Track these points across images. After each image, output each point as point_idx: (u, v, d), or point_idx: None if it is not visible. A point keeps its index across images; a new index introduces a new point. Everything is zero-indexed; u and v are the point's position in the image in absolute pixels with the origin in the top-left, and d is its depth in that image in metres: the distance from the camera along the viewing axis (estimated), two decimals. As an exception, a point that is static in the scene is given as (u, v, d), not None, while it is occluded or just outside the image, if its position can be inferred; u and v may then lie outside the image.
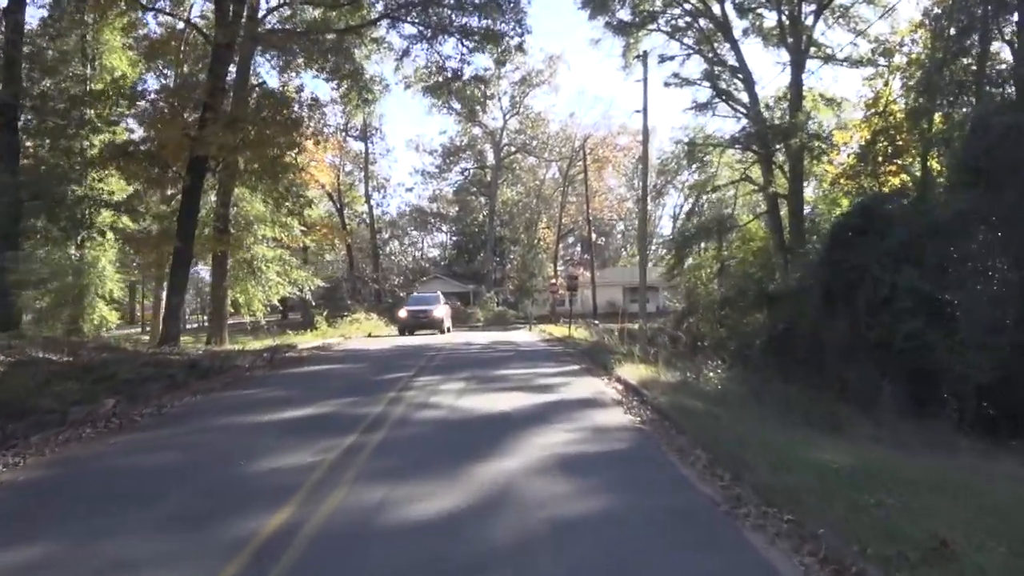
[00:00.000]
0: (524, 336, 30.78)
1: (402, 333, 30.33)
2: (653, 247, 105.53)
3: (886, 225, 18.46)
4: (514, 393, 11.60)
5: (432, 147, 69.46)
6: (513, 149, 66.38)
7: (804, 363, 20.74)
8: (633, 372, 13.96)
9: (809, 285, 21.53)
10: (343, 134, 59.34)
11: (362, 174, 61.62)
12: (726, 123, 36.15)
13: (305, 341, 24.07)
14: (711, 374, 15.54)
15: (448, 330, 32.69)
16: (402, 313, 31.99)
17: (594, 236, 71.87)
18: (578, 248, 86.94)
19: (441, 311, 32.41)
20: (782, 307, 24.98)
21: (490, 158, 67.80)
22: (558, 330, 33.39)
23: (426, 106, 72.67)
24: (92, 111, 21.06)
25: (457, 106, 64.64)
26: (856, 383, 18.03)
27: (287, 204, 21.54)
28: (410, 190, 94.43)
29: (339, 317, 38.14)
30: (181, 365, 14.03)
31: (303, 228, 26.38)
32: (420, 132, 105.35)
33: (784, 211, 35.20)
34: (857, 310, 18.28)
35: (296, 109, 21.63)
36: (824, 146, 33.34)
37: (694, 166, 36.29)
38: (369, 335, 31.40)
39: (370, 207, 61.12)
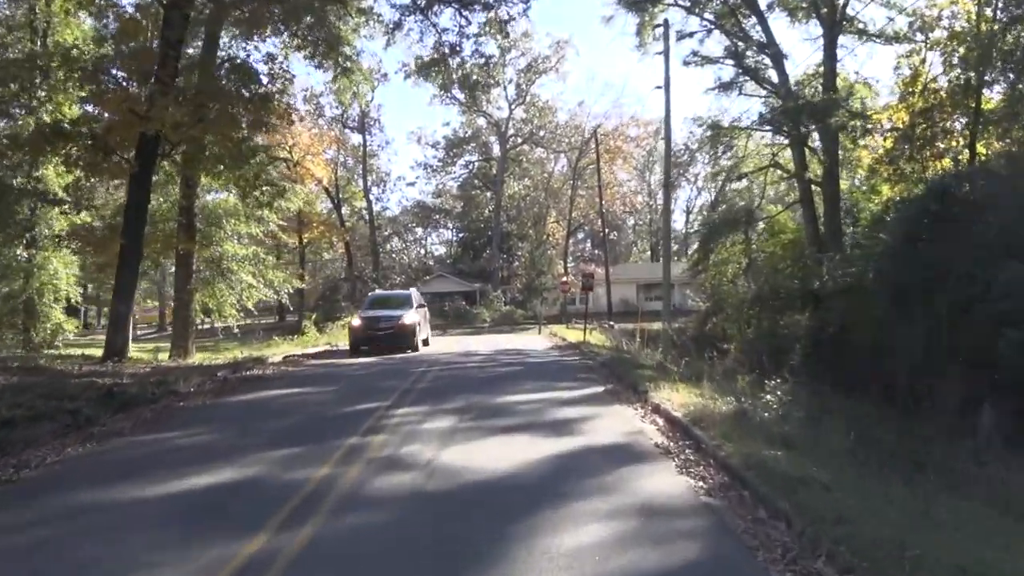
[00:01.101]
0: (533, 341, 27.66)
1: (355, 351, 20.39)
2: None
3: (974, 211, 15.29)
4: (521, 436, 8.49)
5: (435, 139, 66.48)
6: (520, 140, 63.28)
7: (859, 373, 17.59)
8: (673, 397, 10.86)
9: (872, 282, 18.41)
10: (339, 125, 56.47)
11: (360, 168, 58.59)
12: (751, 105, 33.00)
13: (283, 351, 21.06)
14: (768, 396, 12.33)
15: (426, 343, 23.60)
16: (355, 322, 21.41)
17: (606, 231, 68.75)
18: (588, 244, 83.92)
19: (413, 317, 21.63)
20: (831, 308, 21.76)
21: (496, 150, 64.73)
22: (571, 333, 30.24)
23: (428, 96, 70.36)
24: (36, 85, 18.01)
25: (459, 95, 61.74)
26: (937, 402, 14.89)
27: (256, 194, 18.51)
28: (412, 184, 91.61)
29: (334, 320, 35.20)
30: (97, 394, 10.98)
31: (281, 223, 23.36)
32: (422, 124, 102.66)
33: (812, 201, 32.11)
34: (938, 313, 15.12)
35: (265, 84, 18.57)
36: (867, 124, 30.05)
37: (720, 149, 33.03)
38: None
39: (369, 202, 58.18)
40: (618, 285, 53.17)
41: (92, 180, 17.71)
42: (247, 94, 18.43)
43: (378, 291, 33.40)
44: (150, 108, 16.35)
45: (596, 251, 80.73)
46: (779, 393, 12.34)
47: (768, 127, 31.63)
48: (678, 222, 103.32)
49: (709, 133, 32.07)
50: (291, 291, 22.66)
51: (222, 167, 18.01)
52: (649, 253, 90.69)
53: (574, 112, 63.96)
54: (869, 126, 30.55)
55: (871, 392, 16.62)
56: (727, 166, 33.59)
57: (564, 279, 41.89)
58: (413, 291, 25.25)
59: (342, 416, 10.07)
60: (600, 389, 12.58)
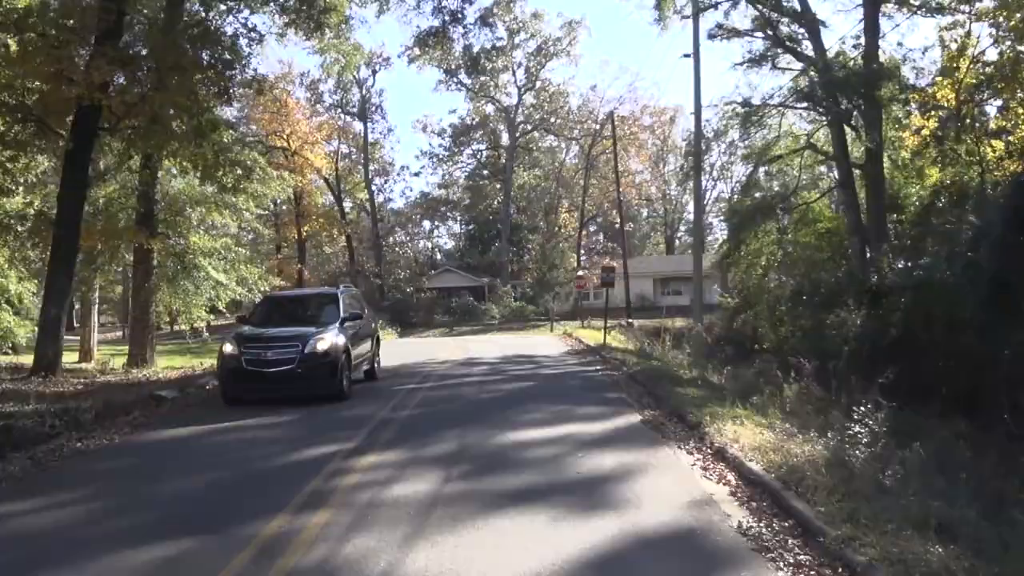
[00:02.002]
0: (546, 344, 24.73)
1: (226, 400, 11.69)
2: (681, 234, 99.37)
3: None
4: (533, 514, 5.54)
5: (441, 128, 63.47)
6: (529, 127, 60.19)
7: (933, 384, 14.58)
8: (739, 434, 7.98)
9: (956, 277, 15.38)
10: (339, 112, 53.65)
11: (362, 157, 55.75)
12: (781, 82, 29.88)
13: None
14: (857, 428, 9.34)
15: (371, 375, 14.17)
16: (227, 348, 11.92)
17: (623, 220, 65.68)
18: (601, 236, 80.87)
19: (333, 340, 11.74)
20: (896, 306, 18.69)
21: (504, 138, 61.71)
22: (587, 333, 27.30)
23: (433, 82, 67.30)
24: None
25: (466, 80, 58.77)
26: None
27: (219, 175, 15.66)
28: (417, 174, 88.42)
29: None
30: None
31: (263, 211, 20.50)
32: (428, 112, 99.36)
33: (853, 186, 29.09)
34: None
35: (229, 45, 15.71)
36: (918, 99, 26.91)
37: (751, 130, 29.90)
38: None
39: (371, 192, 55.31)
40: (634, 279, 50.03)
41: (24, 159, 14.92)
42: (210, 59, 15.63)
43: (282, 291, 22.11)
44: (89, 73, 13.57)
45: (609, 243, 77.68)
46: (868, 421, 9.33)
47: (805, 104, 28.49)
48: (691, 214, 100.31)
49: (739, 112, 28.92)
50: (269, 290, 19.87)
51: (176, 144, 15.11)
52: (664, 246, 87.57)
53: (587, 97, 60.87)
54: (915, 104, 27.51)
55: (946, 406, 13.68)
56: (758, 148, 30.47)
57: (580, 274, 38.96)
58: (343, 290, 14.43)
59: (284, 469, 7.19)
60: (636, 418, 9.65)
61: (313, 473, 6.79)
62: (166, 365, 18.05)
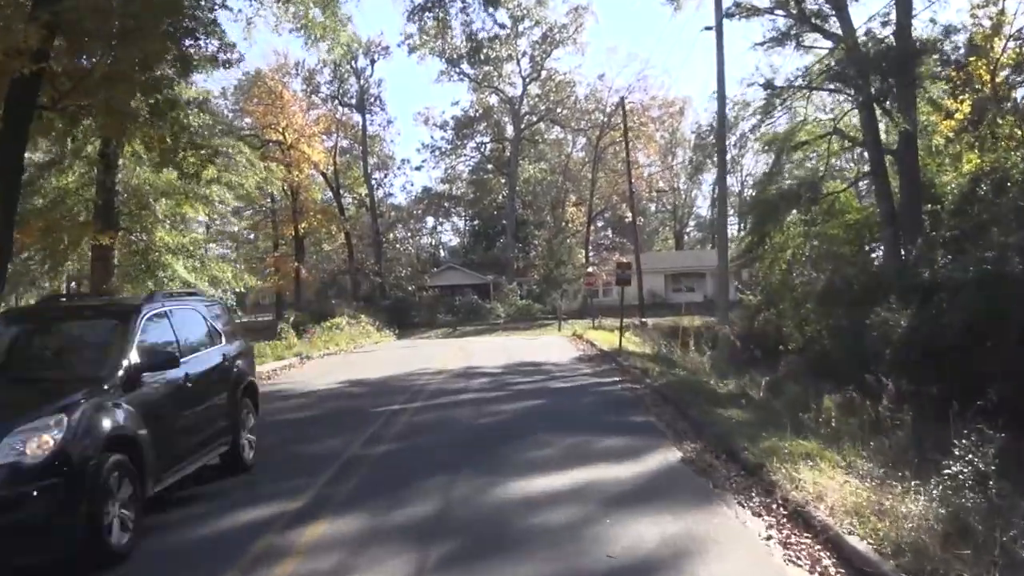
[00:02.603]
0: (555, 347, 22.61)
1: None
2: (690, 229, 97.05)
3: None
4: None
5: (443, 120, 61.32)
6: (535, 119, 58.00)
7: (1005, 396, 12.45)
8: (821, 485, 5.93)
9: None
10: (335, 102, 51.60)
11: (360, 151, 53.69)
12: (806, 62, 27.66)
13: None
14: (954, 465, 7.22)
15: (243, 457, 7.36)
16: None
17: (630, 216, 63.49)
18: (609, 232, 78.73)
19: (68, 434, 4.69)
20: (954, 305, 16.53)
21: (509, 131, 59.55)
22: (600, 336, 25.18)
23: (434, 73, 64.76)
24: None
25: (468, 70, 56.62)
26: None
27: (178, 160, 13.62)
28: (419, 168, 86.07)
29: (325, 320, 30.44)
30: None
31: (256, 205, 18.46)
32: (430, 104, 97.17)
33: (885, 173, 26.97)
34: None
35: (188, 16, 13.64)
36: (955, 75, 24.79)
37: (774, 113, 27.64)
38: (334, 351, 23.61)
39: (370, 187, 53.20)
40: (645, 276, 47.80)
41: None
42: (168, 29, 13.58)
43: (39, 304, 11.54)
44: (26, 38, 11.54)
45: (618, 238, 75.52)
46: (973, 459, 7.20)
47: (833, 84, 26.28)
48: (702, 208, 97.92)
49: (763, 94, 26.69)
50: (242, 290, 17.88)
51: (128, 125, 13.08)
52: (673, 241, 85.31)
53: (594, 87, 58.56)
54: (947, 87, 25.39)
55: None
56: (782, 134, 28.27)
57: (589, 271, 36.89)
58: (161, 303, 6.90)
59: (198, 545, 5.16)
60: (674, 455, 7.56)
61: (236, 554, 4.74)
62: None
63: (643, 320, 32.84)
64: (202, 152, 13.95)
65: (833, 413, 12.84)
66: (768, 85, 27.68)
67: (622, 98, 37.42)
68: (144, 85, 12.95)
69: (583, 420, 9.56)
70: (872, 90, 25.58)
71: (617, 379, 13.69)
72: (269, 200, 56.26)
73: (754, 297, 30.63)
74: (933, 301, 18.81)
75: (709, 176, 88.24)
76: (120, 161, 16.36)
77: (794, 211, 27.43)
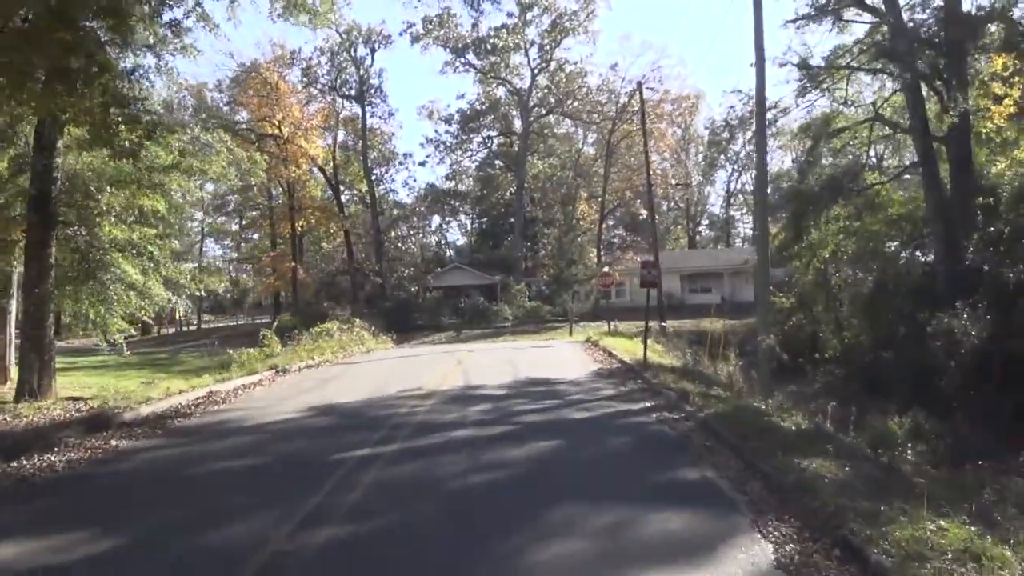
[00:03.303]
0: (569, 358, 19.94)
1: None
2: (702, 228, 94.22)
3: None
4: None
5: (448, 114, 58.75)
6: (544, 111, 55.32)
7: None
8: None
9: None
10: (333, 93, 49.07)
11: (360, 144, 51.14)
12: (844, 40, 24.87)
13: (198, 387, 13.69)
14: None
15: None
16: None
17: (645, 213, 60.71)
18: (620, 230, 76.05)
19: None
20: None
21: (517, 124, 56.94)
22: (618, 343, 22.50)
23: (439, 63, 62.17)
24: None
25: (475, 60, 53.99)
26: None
27: (110, 135, 11.10)
28: (423, 164, 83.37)
29: (318, 323, 27.92)
30: None
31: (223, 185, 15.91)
32: (434, 98, 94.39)
33: (935, 163, 24.31)
34: None
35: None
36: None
37: (809, 96, 24.85)
38: (318, 362, 21.07)
39: (370, 182, 50.65)
40: (662, 276, 45.13)
41: None
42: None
43: None
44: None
45: (631, 236, 72.79)
46: None
47: (878, 63, 23.53)
48: (715, 206, 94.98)
49: (799, 75, 23.91)
50: (201, 293, 15.36)
51: (50, 96, 10.56)
52: (686, 240, 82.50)
53: (606, 78, 55.90)
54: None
55: None
56: (819, 118, 25.49)
57: (605, 270, 34.25)
58: None
59: None
60: (764, 556, 4.90)
61: None
62: (69, 395, 13.52)
63: (663, 324, 30.15)
64: (139, 126, 11.39)
65: (909, 447, 10.28)
66: (803, 65, 24.94)
67: (639, 82, 34.66)
68: (64, 43, 10.44)
69: (617, 476, 6.91)
70: (922, 69, 22.88)
71: (648, 404, 11.02)
72: (266, 198, 54.08)
73: (785, 299, 27.94)
74: (1018, 306, 16.05)
75: (722, 174, 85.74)
76: (59, 143, 13.81)
77: (835, 204, 24.79)
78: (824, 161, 28.99)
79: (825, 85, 24.83)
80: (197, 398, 12.54)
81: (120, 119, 11.28)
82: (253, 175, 23.73)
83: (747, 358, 23.48)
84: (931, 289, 21.25)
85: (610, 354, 19.67)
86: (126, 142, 11.37)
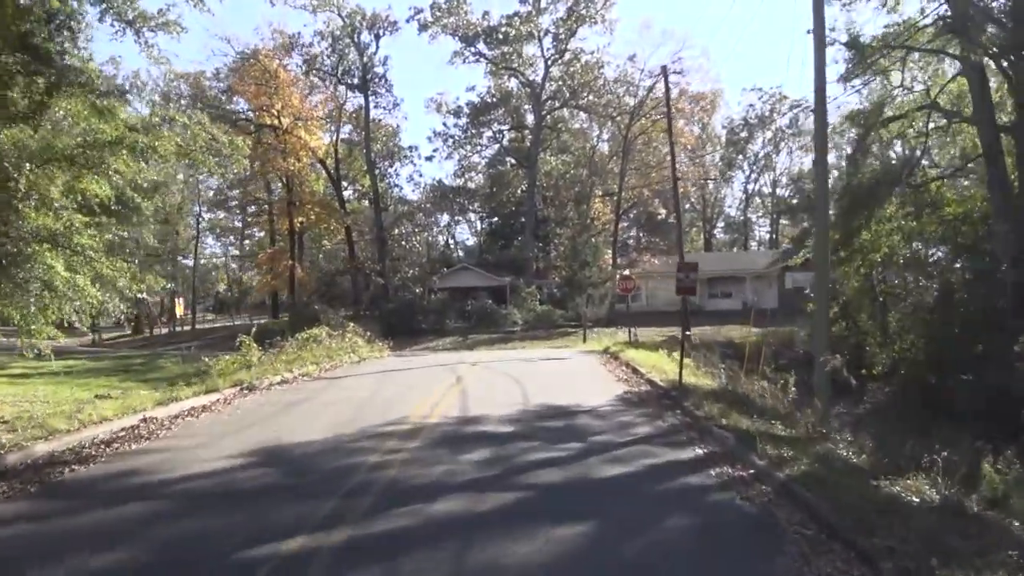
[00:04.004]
0: (586, 373, 17.23)
1: None
2: (718, 229, 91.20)
3: None
4: None
5: (457, 106, 56.04)
6: (558, 104, 52.55)
7: None
8: None
9: None
10: (333, 79, 46.50)
11: (364, 137, 48.55)
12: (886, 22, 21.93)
13: (136, 410, 11.09)
14: None
15: None
16: None
17: (663, 213, 57.90)
18: (635, 231, 73.25)
19: None
20: None
21: (529, 119, 54.21)
22: (641, 356, 19.73)
23: (447, 53, 59.28)
24: None
25: (486, 50, 51.29)
26: None
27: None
28: (430, 159, 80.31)
29: (307, 327, 25.33)
30: None
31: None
32: (443, 90, 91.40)
33: (1001, 154, 21.59)
34: None
35: None
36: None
37: (855, 81, 21.99)
38: (296, 375, 18.47)
39: (372, 176, 48.03)
40: (674, 280, 42.20)
41: None
42: None
43: None
44: None
45: (645, 237, 69.97)
46: None
47: (942, 41, 20.71)
48: (731, 208, 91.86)
49: (848, 56, 21.07)
50: (142, 295, 12.89)
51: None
52: (703, 243, 79.58)
53: (624, 69, 52.99)
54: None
55: None
56: (869, 107, 22.66)
57: (625, 273, 31.53)
58: None
59: None
60: None
61: None
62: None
63: (688, 333, 27.33)
64: (39, 80, 8.77)
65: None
66: (853, 43, 22.18)
67: (664, 66, 31.86)
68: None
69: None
70: (988, 47, 20.20)
71: (701, 452, 8.31)
72: (266, 192, 51.65)
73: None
74: None
75: (740, 175, 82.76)
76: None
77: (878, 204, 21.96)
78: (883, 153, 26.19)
79: (877, 66, 22.02)
80: (123, 428, 9.91)
81: (18, 69, 8.69)
82: (235, 162, 21.16)
83: (791, 374, 20.83)
84: (996, 299, 18.50)
85: (635, 371, 16.94)
86: (25, 100, 8.78)
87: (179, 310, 67.63)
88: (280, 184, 47.53)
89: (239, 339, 19.82)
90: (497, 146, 57.59)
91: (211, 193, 63.47)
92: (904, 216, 21.15)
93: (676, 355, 20.63)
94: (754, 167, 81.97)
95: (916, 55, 23.15)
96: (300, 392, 14.12)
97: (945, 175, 22.35)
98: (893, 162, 21.45)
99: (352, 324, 26.53)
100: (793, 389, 11.98)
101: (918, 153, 22.20)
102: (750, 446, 8.27)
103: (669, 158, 54.87)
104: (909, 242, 21.57)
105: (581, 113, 55.63)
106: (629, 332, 27.11)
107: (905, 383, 21.03)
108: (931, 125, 23.02)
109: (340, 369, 19.37)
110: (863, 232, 21.15)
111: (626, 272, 32.71)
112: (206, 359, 18.41)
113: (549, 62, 50.37)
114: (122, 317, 18.90)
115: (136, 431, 9.75)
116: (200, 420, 10.86)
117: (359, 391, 13.96)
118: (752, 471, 7.54)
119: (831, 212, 15.86)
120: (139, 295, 14.53)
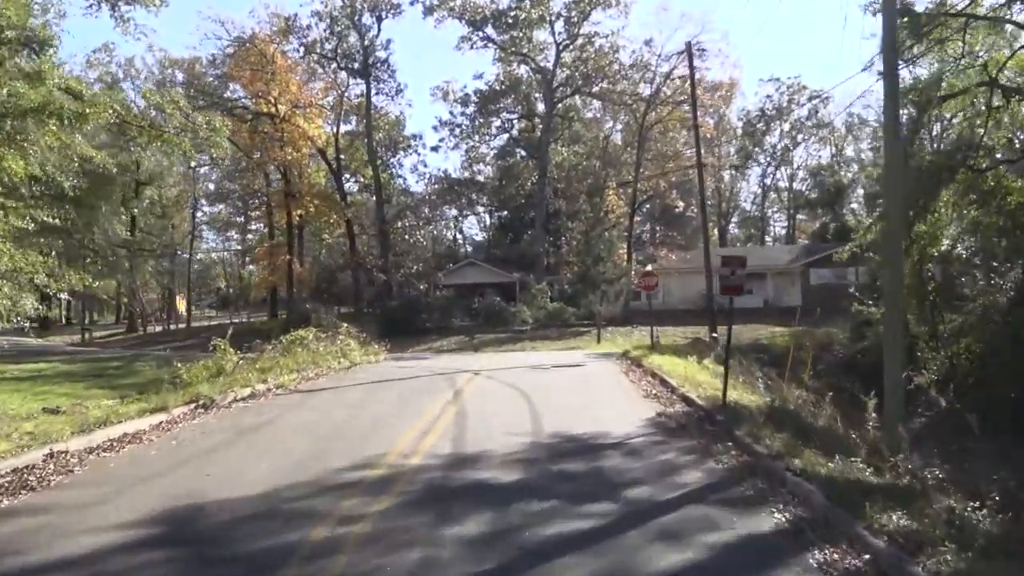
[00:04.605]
0: (607, 385, 14.83)
1: None
2: (733, 223, 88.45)
3: None
4: None
5: (464, 94, 53.55)
6: (569, 92, 50.02)
7: None
8: None
9: None
10: (332, 64, 44.20)
11: (365, 126, 46.23)
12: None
13: (47, 439, 8.82)
14: None
15: None
16: None
17: (679, 206, 55.36)
18: (649, 225, 70.77)
19: None
20: None
21: (540, 107, 51.74)
22: (668, 363, 17.31)
23: (455, 39, 56.81)
24: None
25: (495, 34, 48.88)
26: None
27: None
28: (435, 149, 77.51)
29: (300, 326, 23.12)
30: None
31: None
32: (449, 78, 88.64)
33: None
34: None
35: None
36: None
37: (907, 53, 19.46)
38: (269, 386, 16.18)
39: (374, 166, 45.69)
40: (695, 276, 39.69)
41: None
42: None
43: None
44: None
45: (661, 231, 67.46)
46: None
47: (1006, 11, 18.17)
48: (746, 202, 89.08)
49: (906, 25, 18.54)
50: (61, 295, 10.59)
51: None
52: (718, 238, 76.98)
53: (640, 54, 50.34)
54: None
55: None
56: (923, 82, 20.15)
57: (648, 269, 29.13)
58: None
59: None
60: None
61: None
62: None
63: (714, 336, 24.93)
64: None
65: None
66: (905, 10, 19.70)
67: (688, 43, 29.35)
68: None
69: None
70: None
71: (781, 519, 5.92)
72: (265, 184, 49.52)
73: (871, 307, 22.69)
74: None
75: (755, 169, 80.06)
76: None
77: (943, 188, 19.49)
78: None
79: (933, 36, 19.48)
80: (13, 470, 7.62)
81: None
82: (214, 145, 18.98)
83: (835, 379, 18.51)
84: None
85: (663, 382, 14.54)
86: None
87: (180, 306, 65.71)
88: (279, 175, 45.36)
89: (212, 343, 17.60)
90: (506, 136, 55.18)
91: (211, 186, 61.47)
92: (967, 205, 18.64)
93: (707, 362, 18.23)
94: (771, 160, 79.36)
95: (977, 25, 20.61)
96: (264, 412, 11.79)
97: (1014, 159, 19.77)
98: (956, 143, 18.94)
99: (346, 325, 24.22)
100: (873, 415, 9.54)
101: (980, 132, 19.64)
102: (851, 510, 5.89)
103: (687, 148, 52.46)
104: (974, 234, 19.14)
105: (594, 101, 53.13)
106: (651, 333, 24.68)
107: (958, 391, 18.61)
108: (995, 103, 20.49)
109: (324, 378, 17.08)
110: (919, 223, 18.68)
111: (648, 267, 30.29)
112: (178, 364, 16.21)
113: (561, 47, 47.86)
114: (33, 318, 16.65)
115: (24, 475, 7.44)
116: (120, 456, 8.54)
117: (334, 411, 11.61)
118: (869, 556, 5.16)
119: (891, 200, 13.38)
120: (60, 294, 12.34)
